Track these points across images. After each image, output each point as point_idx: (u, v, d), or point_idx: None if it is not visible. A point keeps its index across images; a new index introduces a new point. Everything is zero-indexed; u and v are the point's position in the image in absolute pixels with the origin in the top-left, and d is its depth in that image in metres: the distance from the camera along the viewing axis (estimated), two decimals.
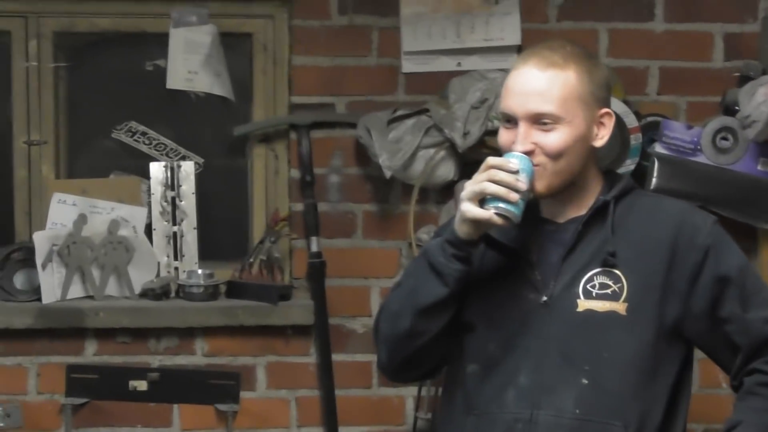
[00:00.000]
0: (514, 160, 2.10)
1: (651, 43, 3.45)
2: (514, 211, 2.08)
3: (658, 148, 3.26)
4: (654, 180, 3.24)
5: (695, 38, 3.47)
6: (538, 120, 2.13)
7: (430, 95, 3.39)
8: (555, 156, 2.16)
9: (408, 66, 3.41)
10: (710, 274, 2.19)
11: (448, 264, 2.14)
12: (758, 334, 2.18)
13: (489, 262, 2.27)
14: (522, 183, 2.08)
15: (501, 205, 2.07)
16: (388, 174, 3.27)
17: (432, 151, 3.30)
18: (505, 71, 3.28)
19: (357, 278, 3.46)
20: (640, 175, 3.17)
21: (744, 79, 3.31)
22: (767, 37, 3.36)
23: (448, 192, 3.39)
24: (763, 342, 2.19)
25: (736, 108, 3.23)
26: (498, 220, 2.07)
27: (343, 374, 3.41)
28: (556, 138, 2.15)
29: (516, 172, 2.08)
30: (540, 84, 2.14)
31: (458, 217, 2.13)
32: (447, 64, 3.41)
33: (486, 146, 3.28)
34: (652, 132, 3.30)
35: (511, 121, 2.16)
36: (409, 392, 3.42)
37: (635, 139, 3.24)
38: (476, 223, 2.09)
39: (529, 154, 2.13)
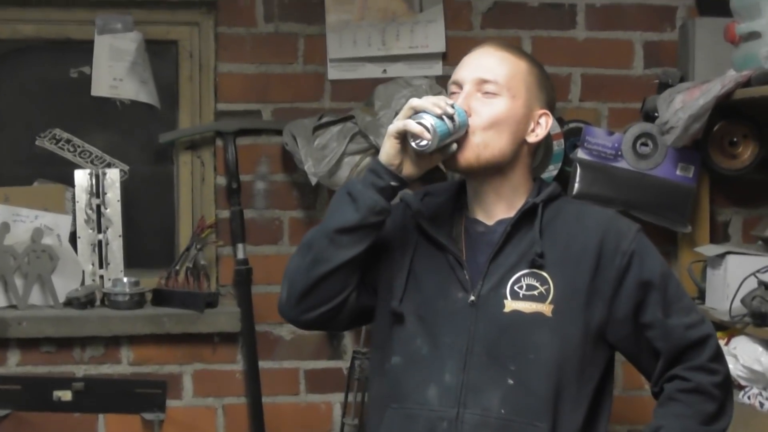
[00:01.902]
0: (447, 99, 2.15)
1: (573, 50, 3.50)
2: (435, 125, 2.08)
3: (581, 153, 3.28)
4: (576, 185, 3.26)
5: (616, 46, 3.52)
6: (482, 87, 2.19)
7: (356, 102, 3.41)
8: (486, 124, 2.19)
9: (334, 73, 3.43)
10: (634, 278, 2.21)
11: (364, 191, 2.15)
12: (679, 340, 2.21)
13: (422, 254, 2.28)
14: (450, 108, 2.11)
15: (424, 117, 2.10)
16: (314, 180, 3.27)
17: (357, 157, 3.30)
18: (431, 78, 3.36)
19: None
20: (563, 180, 3.19)
21: (663, 86, 3.37)
22: (685, 46, 3.40)
23: None
24: (684, 348, 2.22)
25: (656, 114, 3.28)
26: (416, 127, 2.08)
27: (271, 381, 3.41)
28: (493, 108, 2.19)
29: (451, 108, 2.12)
30: (493, 58, 2.22)
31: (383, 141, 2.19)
32: (372, 71, 3.44)
33: None
34: (574, 138, 3.33)
35: (456, 90, 2.23)
36: (337, 398, 3.43)
37: (558, 145, 3.27)
38: (397, 140, 2.12)
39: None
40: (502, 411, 2.16)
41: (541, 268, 2.21)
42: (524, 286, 2.20)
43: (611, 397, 2.29)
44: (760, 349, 2.89)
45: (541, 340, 2.18)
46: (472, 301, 2.20)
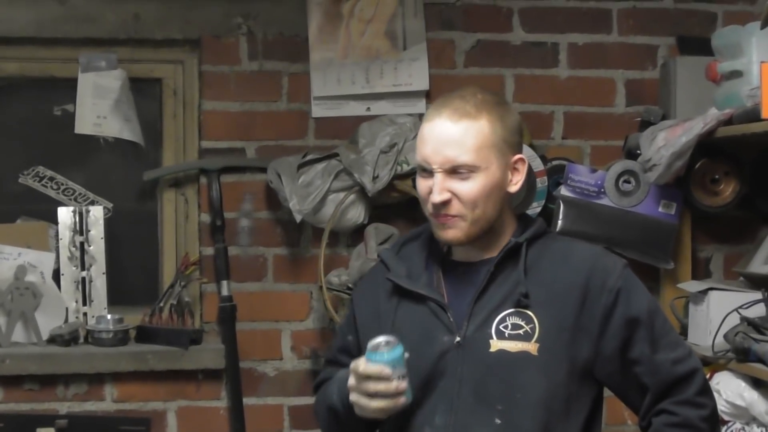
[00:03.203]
0: (385, 368, 2.10)
1: (556, 88, 3.53)
2: (406, 401, 2.13)
3: (564, 190, 3.31)
4: (560, 222, 3.29)
5: (598, 84, 3.55)
6: (454, 170, 2.15)
7: (340, 140, 3.43)
8: (472, 204, 2.18)
9: (318, 111, 3.44)
10: (621, 316, 2.19)
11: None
12: (666, 375, 2.20)
13: (404, 311, 2.28)
14: (403, 384, 2.10)
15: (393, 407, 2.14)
16: (298, 218, 3.29)
17: (342, 194, 3.33)
18: (414, 116, 3.37)
19: (268, 321, 3.47)
20: (546, 217, 3.18)
21: (645, 124, 3.39)
22: (667, 84, 3.43)
23: (358, 235, 3.41)
24: (671, 383, 2.21)
25: (638, 152, 3.30)
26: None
27: (255, 418, 3.40)
28: (472, 186, 2.16)
29: (390, 378, 2.10)
30: (454, 135, 2.15)
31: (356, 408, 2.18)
32: (356, 109, 3.46)
33: (396, 189, 3.34)
34: (557, 175, 3.35)
35: (427, 170, 2.18)
36: None
37: (541, 183, 3.30)
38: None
39: (446, 202, 2.15)
40: None
41: (526, 307, 2.19)
42: (509, 326, 2.19)
43: (598, 425, 2.28)
44: (743, 384, 2.91)
45: (527, 379, 2.17)
46: (458, 342, 2.19)
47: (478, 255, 2.25)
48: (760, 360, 2.84)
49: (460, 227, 2.19)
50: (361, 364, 2.13)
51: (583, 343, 2.19)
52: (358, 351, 2.30)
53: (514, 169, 2.22)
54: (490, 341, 2.18)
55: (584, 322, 2.19)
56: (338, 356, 2.40)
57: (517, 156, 2.22)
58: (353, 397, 2.17)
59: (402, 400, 2.13)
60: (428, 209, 2.20)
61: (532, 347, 2.17)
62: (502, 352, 2.17)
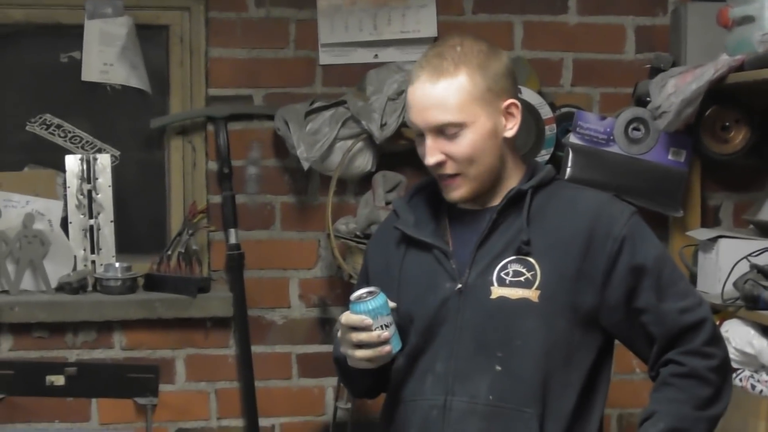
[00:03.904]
0: (365, 318, 2.13)
1: (565, 35, 3.52)
2: (393, 350, 2.16)
3: (573, 138, 3.31)
4: (568, 170, 3.28)
5: (608, 31, 3.54)
6: (441, 130, 2.15)
7: (348, 87, 3.42)
8: (467, 161, 2.18)
9: (325, 58, 3.44)
10: (625, 263, 2.18)
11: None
12: (673, 325, 2.19)
13: (410, 259, 2.29)
14: (385, 332, 2.14)
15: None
16: (306, 165, 3.29)
17: (350, 142, 3.33)
18: None
19: (276, 270, 3.48)
20: (555, 165, 3.16)
21: (655, 71, 3.38)
22: (677, 30, 3.41)
23: (365, 183, 3.42)
24: (678, 333, 2.20)
25: (648, 99, 3.30)
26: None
27: (263, 366, 3.42)
28: (462, 144, 2.16)
29: (371, 328, 2.13)
30: (435, 96, 2.15)
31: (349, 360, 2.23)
32: (364, 56, 3.45)
33: (403, 137, 3.32)
34: (566, 123, 3.35)
35: (421, 135, 2.19)
36: (329, 383, 3.46)
37: (550, 130, 3.30)
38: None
39: (441, 164, 2.16)
40: (490, 397, 2.16)
41: (527, 254, 2.19)
42: (511, 273, 2.19)
43: (608, 382, 2.29)
44: (752, 332, 2.91)
45: (527, 326, 2.17)
46: (459, 289, 2.20)
47: (483, 202, 2.25)
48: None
49: (464, 185, 2.20)
50: (344, 316, 2.17)
51: (586, 291, 2.18)
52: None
53: (508, 114, 2.21)
54: (491, 288, 2.18)
55: (588, 270, 2.18)
56: None
57: (509, 101, 2.20)
58: (343, 348, 2.21)
59: (386, 349, 2.15)
60: (431, 171, 2.22)
61: (532, 294, 2.16)
62: (502, 299, 2.17)
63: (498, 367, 2.16)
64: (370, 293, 2.15)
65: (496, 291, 2.17)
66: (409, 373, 2.24)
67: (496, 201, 2.24)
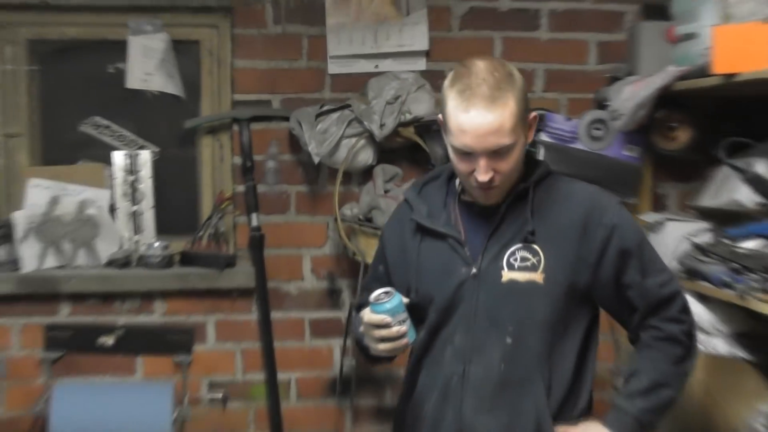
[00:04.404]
0: (385, 317, 2.15)
1: (537, 49, 3.52)
2: (410, 341, 2.20)
3: (543, 136, 3.31)
4: None
5: (574, 45, 3.54)
6: (497, 152, 2.12)
7: (352, 93, 3.42)
8: (510, 174, 2.18)
9: (333, 68, 3.44)
10: (615, 247, 2.22)
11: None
12: (653, 297, 2.25)
13: (426, 246, 2.31)
14: (403, 327, 2.17)
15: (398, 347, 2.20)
16: (316, 160, 3.31)
17: (354, 140, 3.34)
18: (416, 72, 3.30)
19: (291, 248, 3.49)
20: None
21: (613, 80, 3.44)
22: (632, 45, 3.43)
23: (367, 175, 3.44)
24: (657, 303, 2.26)
25: (607, 103, 3.33)
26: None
27: (281, 329, 3.45)
28: (511, 160, 2.15)
29: (390, 325, 2.16)
30: (493, 123, 2.09)
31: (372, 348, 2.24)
32: (366, 66, 3.45)
33: (400, 135, 3.34)
34: (538, 123, 3.34)
35: (467, 153, 2.14)
36: (336, 343, 3.48)
37: None
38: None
39: (491, 180, 2.14)
40: (502, 366, 2.20)
41: (532, 242, 2.21)
42: (518, 258, 2.21)
43: (597, 345, 2.32)
44: (691, 299, 2.83)
45: (534, 304, 2.20)
46: (474, 273, 2.22)
47: None
48: (706, 279, 2.92)
49: (501, 192, 2.21)
50: (366, 315, 2.20)
51: (582, 272, 2.22)
52: (388, 279, 2.38)
53: (531, 125, 2.21)
54: (502, 272, 2.21)
55: (583, 254, 2.21)
56: (372, 284, 2.39)
57: (532, 114, 2.22)
58: (366, 340, 2.25)
59: (404, 341, 2.19)
60: (470, 182, 2.19)
61: (538, 277, 2.20)
62: (512, 282, 2.20)
63: (509, 340, 2.20)
64: (386, 293, 2.17)
65: (507, 275, 2.21)
66: (431, 345, 2.28)
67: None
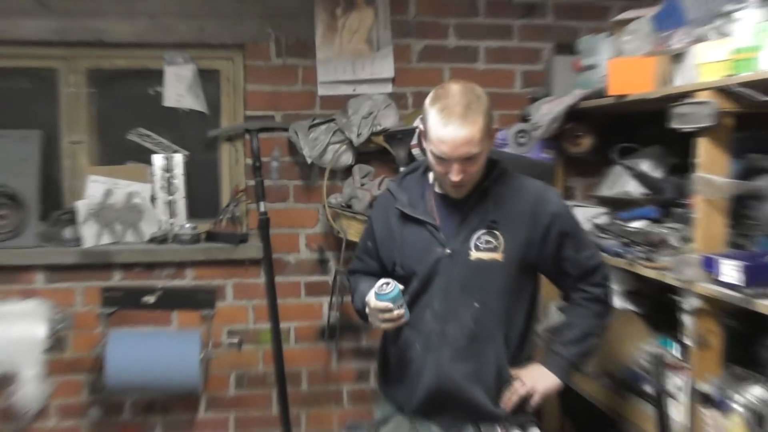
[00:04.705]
0: (388, 304, 2.10)
1: (477, 76, 3.49)
2: (406, 319, 2.15)
3: None
4: None
5: (504, 74, 3.53)
6: (468, 158, 2.09)
7: (336, 110, 3.41)
8: (476, 174, 2.16)
9: (322, 91, 3.42)
10: (556, 231, 2.21)
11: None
12: (583, 266, 2.26)
13: (408, 230, 2.25)
14: (401, 311, 2.12)
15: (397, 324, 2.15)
16: (309, 161, 3.31)
17: (338, 145, 3.34)
18: (384, 94, 3.26)
19: (290, 228, 3.47)
20: None
21: (534, 100, 3.44)
22: (548, 73, 3.45)
23: (348, 172, 3.41)
24: (586, 271, 2.27)
25: (529, 118, 3.34)
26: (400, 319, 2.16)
27: (282, 289, 3.44)
28: (477, 164, 2.13)
29: (392, 310, 2.11)
30: (466, 136, 2.05)
31: (373, 321, 2.17)
32: (347, 89, 3.43)
33: (372, 142, 3.32)
34: None
35: (443, 159, 2.09)
36: (325, 300, 3.47)
37: None
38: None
39: (462, 180, 2.10)
40: (473, 325, 2.20)
41: (494, 229, 2.19)
42: (483, 242, 2.19)
43: (539, 306, 2.34)
44: None
45: (495, 276, 2.19)
46: (449, 253, 2.19)
47: None
48: (604, 250, 2.90)
49: (467, 188, 2.18)
50: (372, 302, 2.14)
51: (531, 250, 2.21)
52: (376, 252, 2.33)
53: (492, 135, 2.17)
54: (470, 252, 2.18)
55: (532, 236, 2.20)
56: (362, 256, 2.39)
57: (493, 127, 2.17)
58: (370, 319, 2.19)
59: (402, 320, 2.15)
60: (445, 180, 2.14)
61: (498, 256, 2.18)
62: (479, 260, 2.18)
63: (476, 304, 2.19)
64: (387, 284, 2.11)
65: (474, 254, 2.18)
66: (412, 309, 2.22)
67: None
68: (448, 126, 2.05)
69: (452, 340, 2.20)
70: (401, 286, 2.14)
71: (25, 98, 3.40)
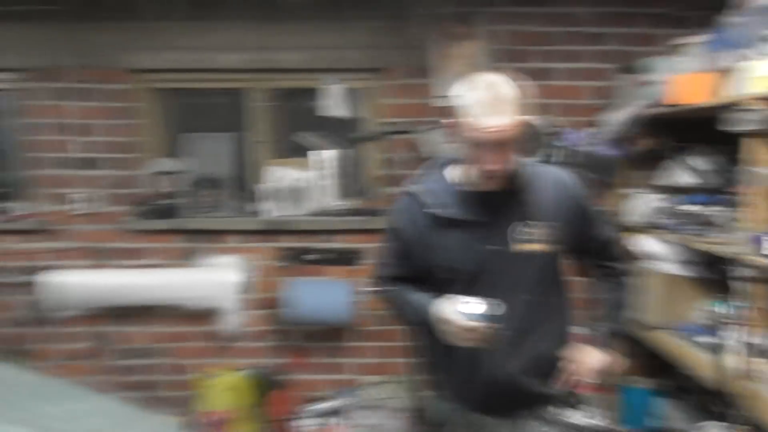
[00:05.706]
0: (478, 324, 1.77)
1: (554, 91, 3.27)
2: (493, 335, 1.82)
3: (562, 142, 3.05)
4: None
5: (582, 89, 3.33)
6: (502, 146, 1.76)
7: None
8: (511, 163, 1.82)
9: (437, 102, 3.20)
10: (581, 212, 1.94)
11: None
12: (604, 242, 2.01)
13: (445, 232, 1.88)
14: (487, 330, 1.78)
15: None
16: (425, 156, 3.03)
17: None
18: None
19: None
20: None
21: (603, 110, 3.26)
22: (614, 89, 3.25)
23: None
24: (606, 246, 1.99)
25: (600, 123, 3.17)
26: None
27: None
28: (512, 154, 1.80)
29: (478, 329, 1.77)
30: (506, 121, 1.73)
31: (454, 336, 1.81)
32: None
33: None
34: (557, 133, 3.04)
35: (480, 146, 1.76)
36: None
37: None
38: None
39: (498, 169, 1.79)
40: (522, 317, 1.88)
41: (530, 219, 1.87)
42: (522, 233, 1.87)
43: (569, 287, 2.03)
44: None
45: (538, 266, 1.89)
46: (490, 249, 1.86)
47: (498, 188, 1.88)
48: (663, 228, 2.79)
49: (501, 179, 1.83)
50: (458, 320, 1.79)
51: (564, 234, 1.91)
52: (407, 256, 1.94)
53: (524, 126, 1.79)
54: (511, 245, 1.86)
55: (563, 221, 1.90)
56: (393, 261, 1.99)
57: (526, 118, 1.79)
58: (451, 337, 1.81)
59: (490, 338, 1.81)
60: (480, 171, 1.81)
61: (537, 246, 1.88)
62: (520, 252, 1.87)
63: (523, 297, 1.88)
64: (477, 304, 1.79)
65: (515, 247, 1.86)
66: None
67: (505, 186, 1.87)
68: (487, 112, 1.70)
69: (504, 334, 1.85)
70: (483, 303, 1.78)
71: (223, 110, 3.46)
